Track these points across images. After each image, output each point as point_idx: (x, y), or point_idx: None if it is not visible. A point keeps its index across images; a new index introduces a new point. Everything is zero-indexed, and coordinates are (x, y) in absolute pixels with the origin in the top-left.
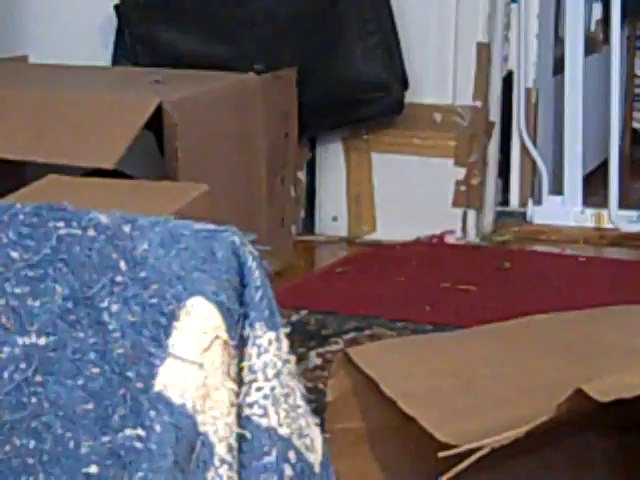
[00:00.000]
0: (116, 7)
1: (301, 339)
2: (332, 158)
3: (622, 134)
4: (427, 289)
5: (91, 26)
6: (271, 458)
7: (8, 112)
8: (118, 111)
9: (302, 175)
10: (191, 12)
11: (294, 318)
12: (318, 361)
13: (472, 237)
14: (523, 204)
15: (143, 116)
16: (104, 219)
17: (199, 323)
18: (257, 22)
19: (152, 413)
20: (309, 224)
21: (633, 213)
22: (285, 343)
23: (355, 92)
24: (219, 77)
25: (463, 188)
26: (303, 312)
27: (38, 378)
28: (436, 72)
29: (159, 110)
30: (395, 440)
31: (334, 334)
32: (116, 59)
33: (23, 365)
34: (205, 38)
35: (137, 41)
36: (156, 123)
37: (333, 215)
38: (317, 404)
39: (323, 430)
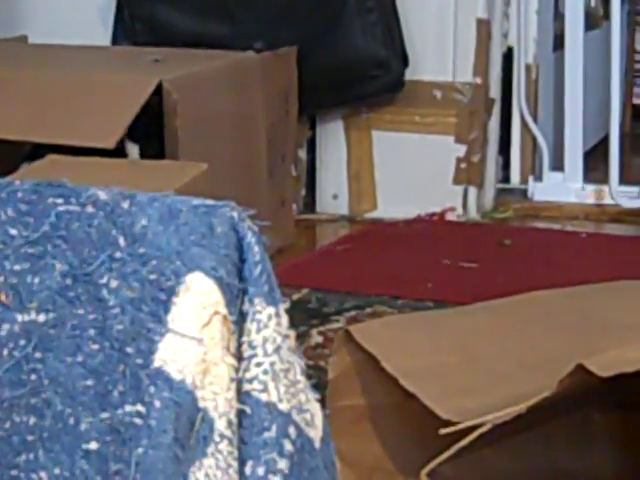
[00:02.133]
0: None
1: (302, 317)
2: (332, 136)
3: (622, 110)
4: (428, 266)
5: (90, 5)
6: (271, 433)
7: (7, 92)
8: (118, 90)
9: (302, 153)
10: None
11: (295, 296)
12: (319, 339)
13: (473, 214)
14: (524, 181)
15: (143, 95)
16: (103, 195)
17: (198, 298)
18: (256, 0)
19: (152, 389)
20: (310, 202)
21: (634, 189)
22: (285, 318)
23: (355, 70)
24: (219, 56)
25: (463, 165)
26: (304, 290)
27: (37, 355)
28: (436, 49)
29: (159, 89)
30: (396, 417)
31: (335, 312)
32: (115, 38)
33: (22, 342)
34: (204, 17)
35: (136, 20)
36: (156, 102)
37: (334, 193)
38: (318, 381)
39: (324, 407)
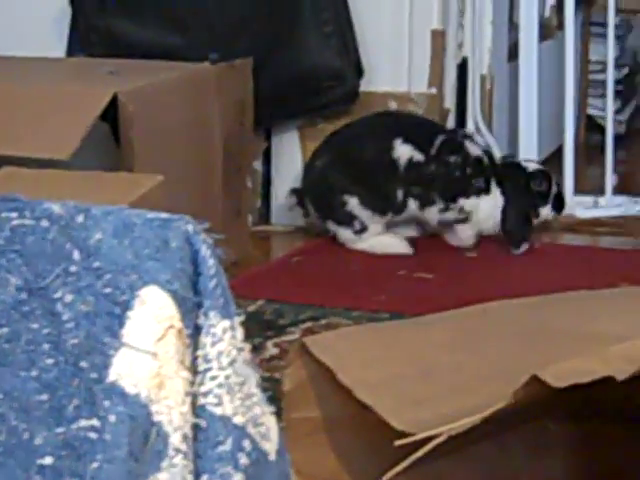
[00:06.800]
0: None
1: (258, 329)
2: (288, 147)
3: (577, 120)
4: (383, 278)
5: (45, 17)
6: (226, 447)
7: None
8: (73, 102)
9: (258, 165)
10: (145, 2)
11: (250, 308)
12: (275, 351)
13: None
14: None
15: (98, 107)
16: (57, 209)
17: (153, 312)
18: (211, 11)
19: (106, 403)
20: (265, 214)
21: (588, 199)
22: (239, 331)
23: (310, 81)
24: (174, 67)
25: None
26: (260, 302)
27: None
28: (391, 60)
29: (114, 101)
30: (352, 429)
31: (290, 324)
32: (71, 50)
33: None
34: (160, 28)
35: (91, 32)
36: (111, 114)
37: (289, 205)
38: (274, 394)
39: (279, 419)
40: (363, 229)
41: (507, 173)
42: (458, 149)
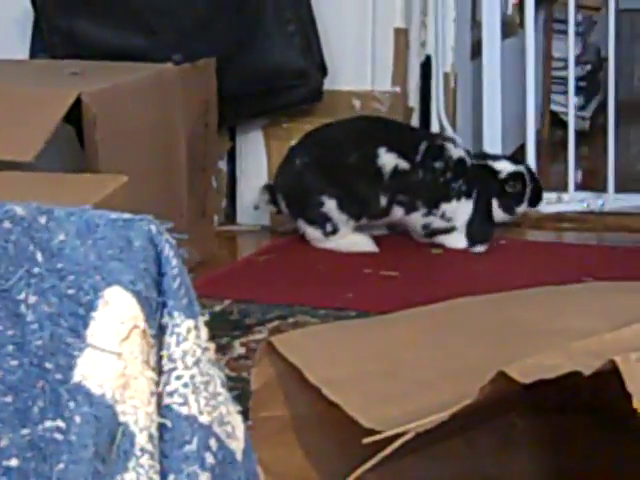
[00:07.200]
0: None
1: (224, 329)
2: (252, 147)
3: (541, 117)
4: (349, 276)
5: (8, 19)
6: (192, 446)
7: None
8: (36, 104)
9: (223, 165)
10: (108, 3)
11: (217, 308)
12: (242, 350)
13: None
14: None
15: (62, 109)
16: (20, 211)
17: (117, 313)
18: (175, 12)
19: (71, 404)
20: (231, 214)
21: (552, 195)
22: (204, 331)
23: (274, 80)
24: (137, 68)
25: None
26: (226, 302)
27: None
28: (354, 58)
29: (78, 102)
30: (320, 427)
31: (257, 323)
32: (34, 52)
33: None
34: (123, 29)
35: (54, 33)
36: (75, 115)
37: (254, 204)
38: (241, 393)
39: (247, 418)
40: (334, 231)
41: (476, 175)
42: (441, 154)
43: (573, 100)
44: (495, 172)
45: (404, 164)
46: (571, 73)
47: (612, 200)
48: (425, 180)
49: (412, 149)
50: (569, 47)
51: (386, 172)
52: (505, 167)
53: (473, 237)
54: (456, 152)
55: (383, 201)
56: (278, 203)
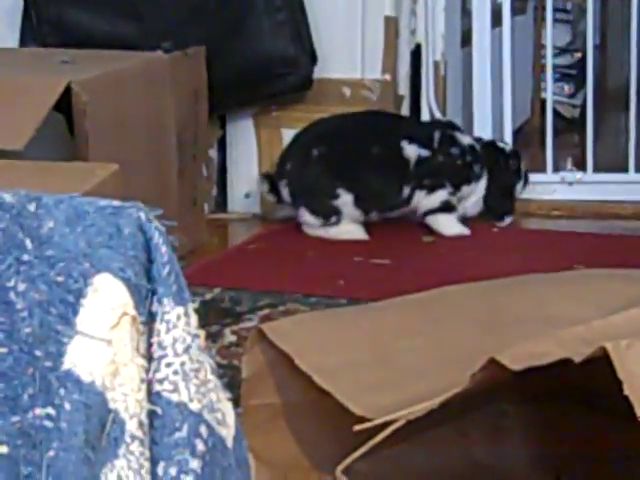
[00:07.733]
0: None
1: (215, 316)
2: (243, 135)
3: (532, 105)
4: (340, 264)
5: None
6: (182, 433)
7: None
8: (26, 92)
9: (213, 153)
10: None
11: (208, 296)
12: (233, 338)
13: None
14: None
15: (52, 97)
16: (9, 198)
17: (106, 300)
18: (164, 0)
19: (61, 391)
20: (221, 202)
21: (542, 180)
22: (194, 318)
23: (264, 68)
24: (127, 56)
25: None
26: (217, 290)
27: None
28: (344, 47)
29: (68, 91)
30: (311, 415)
31: (248, 311)
32: (24, 41)
33: None
34: (113, 17)
35: (44, 22)
36: (65, 104)
37: (245, 192)
38: (232, 380)
39: (237, 406)
40: (336, 223)
41: (488, 154)
42: (455, 141)
43: (551, 86)
44: (502, 150)
45: (425, 152)
46: (549, 59)
47: (590, 176)
48: (446, 163)
49: (428, 139)
50: (547, 33)
51: (412, 163)
52: (505, 146)
53: (496, 211)
54: (465, 139)
55: (406, 191)
56: (279, 192)
